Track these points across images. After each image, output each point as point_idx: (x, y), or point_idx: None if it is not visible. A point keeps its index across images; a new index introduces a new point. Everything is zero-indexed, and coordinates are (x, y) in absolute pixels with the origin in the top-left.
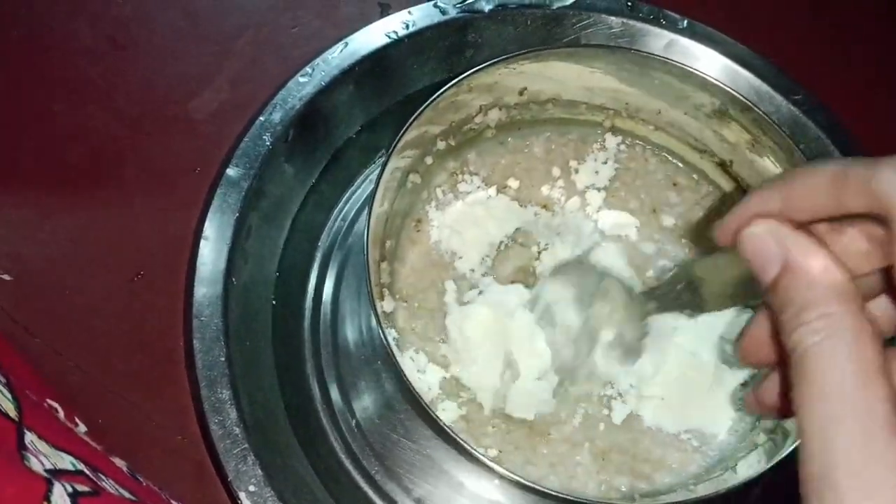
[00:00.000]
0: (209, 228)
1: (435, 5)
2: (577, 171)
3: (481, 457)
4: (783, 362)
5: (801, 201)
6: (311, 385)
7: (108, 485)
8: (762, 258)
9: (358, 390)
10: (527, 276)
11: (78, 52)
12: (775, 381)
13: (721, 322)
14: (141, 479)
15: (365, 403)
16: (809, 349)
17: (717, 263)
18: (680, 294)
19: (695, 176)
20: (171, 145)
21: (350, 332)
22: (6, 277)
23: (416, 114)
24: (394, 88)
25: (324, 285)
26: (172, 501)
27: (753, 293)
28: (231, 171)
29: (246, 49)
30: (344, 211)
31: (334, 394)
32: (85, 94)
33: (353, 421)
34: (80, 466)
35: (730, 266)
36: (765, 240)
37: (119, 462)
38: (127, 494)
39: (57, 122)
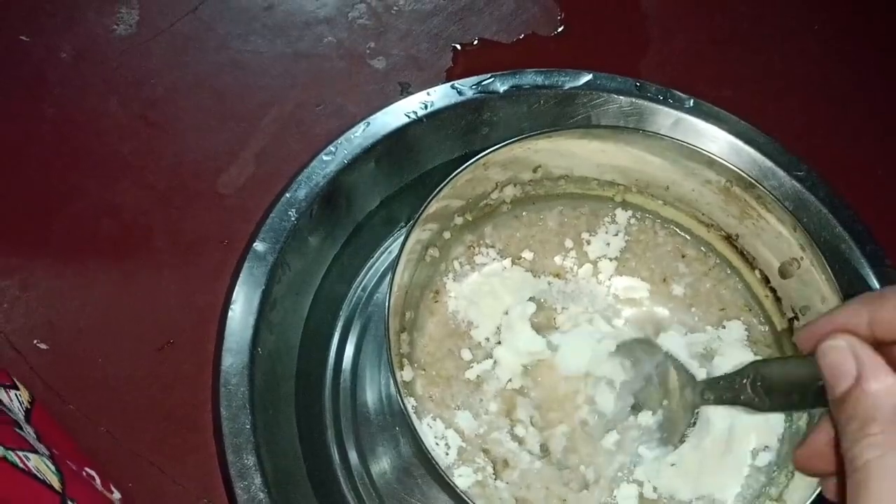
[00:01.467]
0: (237, 300)
1: (452, 86)
2: (588, 242)
3: None
4: (842, 471)
5: (887, 324)
6: (331, 450)
7: None
8: (837, 371)
9: (376, 455)
10: (549, 329)
11: (110, 129)
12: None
13: None
14: None
15: (383, 468)
16: (870, 462)
17: (787, 366)
18: (741, 390)
19: (702, 248)
20: (199, 218)
21: (370, 399)
22: (42, 346)
23: (437, 190)
24: (412, 165)
25: (344, 353)
26: None
27: (817, 402)
28: (258, 246)
29: (271, 126)
30: (364, 282)
31: (353, 458)
32: (116, 170)
33: (371, 485)
34: None
35: (802, 371)
36: (844, 354)
37: None
38: None
39: (89, 197)
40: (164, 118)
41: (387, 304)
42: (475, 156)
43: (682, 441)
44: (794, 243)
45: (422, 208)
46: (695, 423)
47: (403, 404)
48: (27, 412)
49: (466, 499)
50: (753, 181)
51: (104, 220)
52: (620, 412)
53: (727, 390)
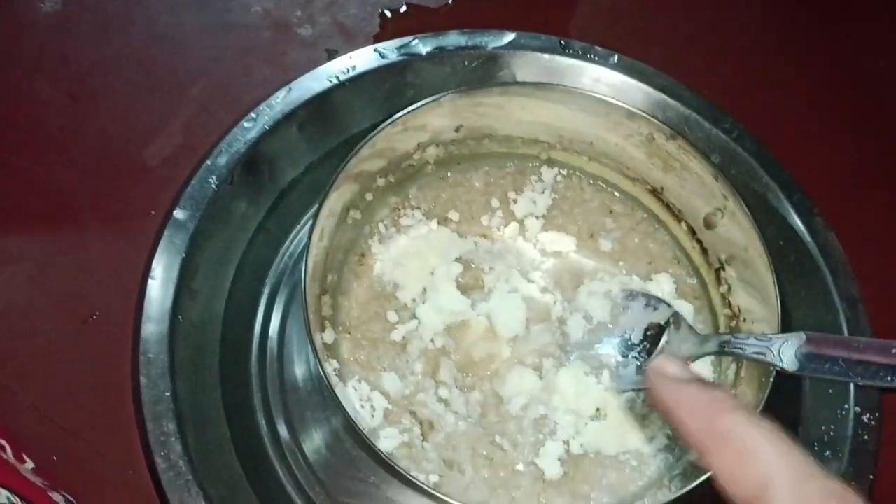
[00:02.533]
0: (156, 268)
1: (375, 50)
2: (515, 201)
3: (421, 484)
4: None
5: None
6: (258, 418)
7: None
8: None
9: (304, 422)
10: (476, 289)
11: (36, 106)
12: None
13: None
14: None
15: (311, 435)
16: None
17: None
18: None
19: (630, 203)
20: (126, 191)
21: (297, 367)
22: None
23: (351, 153)
24: (337, 130)
25: (270, 321)
26: None
27: None
28: (178, 214)
29: (198, 98)
30: (290, 249)
31: (281, 426)
32: (42, 146)
33: (300, 452)
34: (15, 500)
35: None
36: None
37: (57, 497)
38: None
39: (15, 174)
40: (91, 93)
41: (304, 265)
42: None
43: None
44: (717, 193)
45: (338, 169)
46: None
47: (322, 366)
48: None
49: (389, 461)
50: (674, 131)
51: (30, 196)
52: (585, 343)
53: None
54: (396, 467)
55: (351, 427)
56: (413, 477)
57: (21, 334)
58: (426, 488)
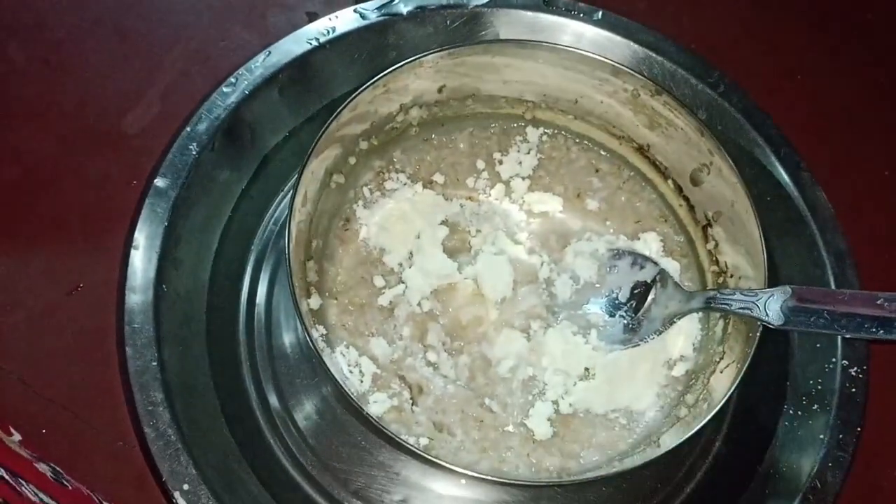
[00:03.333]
0: (139, 238)
1: (355, 10)
2: (501, 162)
3: (411, 447)
4: None
5: None
6: (246, 386)
7: (28, 490)
8: None
9: (294, 389)
10: (462, 252)
11: (11, 74)
12: None
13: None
14: (68, 483)
15: (301, 402)
16: None
17: None
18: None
19: (616, 162)
20: (106, 160)
21: (285, 334)
22: None
23: (332, 116)
24: (319, 94)
25: (257, 289)
26: (104, 503)
27: None
28: (159, 182)
29: (176, 64)
30: (275, 215)
31: (270, 394)
32: (19, 116)
33: (290, 419)
34: (1, 472)
35: None
36: None
37: (43, 468)
38: (45, 498)
39: None
40: (67, 61)
41: (287, 231)
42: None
43: (640, 342)
44: (703, 149)
45: (320, 133)
46: (660, 333)
47: (308, 332)
48: None
49: (378, 425)
50: (659, 87)
51: (7, 167)
52: (573, 303)
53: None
54: (386, 431)
55: (340, 393)
56: (403, 440)
57: (3, 309)
58: (416, 451)
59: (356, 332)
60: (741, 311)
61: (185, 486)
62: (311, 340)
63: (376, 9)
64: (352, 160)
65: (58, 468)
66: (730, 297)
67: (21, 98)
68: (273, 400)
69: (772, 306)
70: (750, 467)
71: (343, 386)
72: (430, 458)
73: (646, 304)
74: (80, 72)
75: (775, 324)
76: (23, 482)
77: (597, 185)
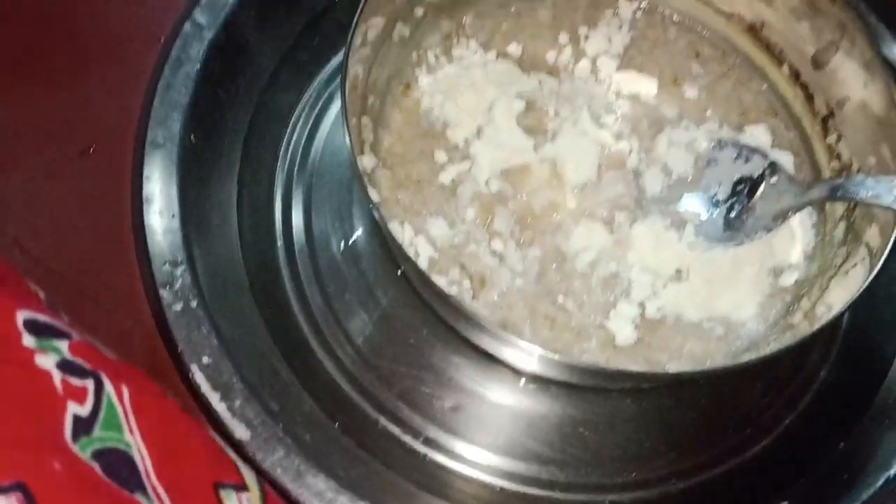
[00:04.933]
0: (167, 74)
1: None
2: (587, 38)
3: (479, 319)
4: None
5: None
6: (278, 263)
7: None
8: None
9: (333, 271)
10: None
11: None
12: None
13: None
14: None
15: (340, 285)
16: None
17: None
18: None
19: (721, 45)
20: (130, 14)
21: (326, 204)
22: None
23: None
24: None
25: (304, 132)
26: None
27: None
28: (193, 20)
29: None
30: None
31: (305, 273)
32: None
33: (326, 304)
34: None
35: None
36: None
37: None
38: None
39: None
40: None
41: (343, 65)
42: None
43: (746, 239)
44: (831, 20)
45: None
46: (769, 231)
47: (364, 189)
48: None
49: (439, 290)
50: None
51: (15, 13)
52: (664, 199)
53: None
54: (451, 298)
55: (392, 267)
56: (470, 312)
57: (13, 166)
58: (484, 324)
59: (412, 209)
60: (871, 199)
61: (206, 360)
62: (369, 199)
63: None
64: (419, 11)
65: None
66: (859, 184)
67: None
68: (314, 295)
69: None
70: (861, 400)
71: (404, 250)
72: (497, 331)
73: (753, 200)
74: None
75: None
76: None
77: (697, 70)
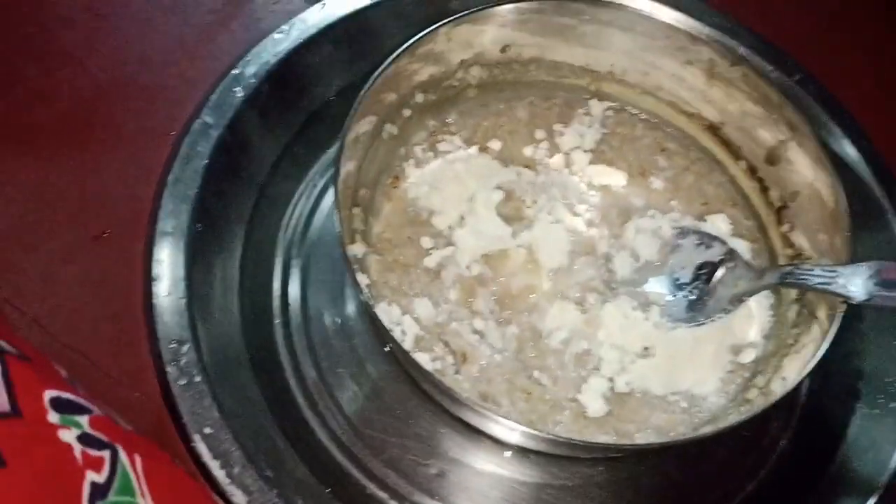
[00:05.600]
0: (175, 170)
1: None
2: (561, 133)
3: (461, 398)
4: None
5: None
6: (278, 346)
7: None
8: None
9: (327, 347)
10: (517, 220)
11: (54, 19)
12: None
13: None
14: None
15: (333, 360)
16: None
17: None
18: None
19: (684, 141)
20: (144, 110)
21: (321, 284)
22: None
23: (392, 56)
24: (373, 52)
25: (301, 218)
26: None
27: None
28: (203, 119)
29: (222, 19)
30: (315, 180)
31: (304, 359)
32: (58, 60)
33: (320, 377)
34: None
35: None
36: None
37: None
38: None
39: (27, 85)
40: (112, 8)
41: (336, 163)
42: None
43: (706, 320)
44: (783, 123)
45: (378, 71)
46: (728, 312)
47: (352, 274)
48: None
49: (424, 369)
50: (737, 57)
51: (41, 109)
52: (632, 281)
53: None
54: (434, 378)
55: (381, 344)
56: (451, 389)
57: (25, 248)
58: (466, 402)
59: (399, 290)
60: (820, 286)
61: (206, 430)
62: (357, 285)
63: None
64: (406, 112)
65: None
66: (808, 272)
67: (62, 43)
68: (308, 369)
69: (855, 281)
70: (819, 466)
71: (389, 331)
72: (478, 407)
73: (712, 283)
74: (124, 21)
75: (859, 298)
76: None
77: (662, 164)
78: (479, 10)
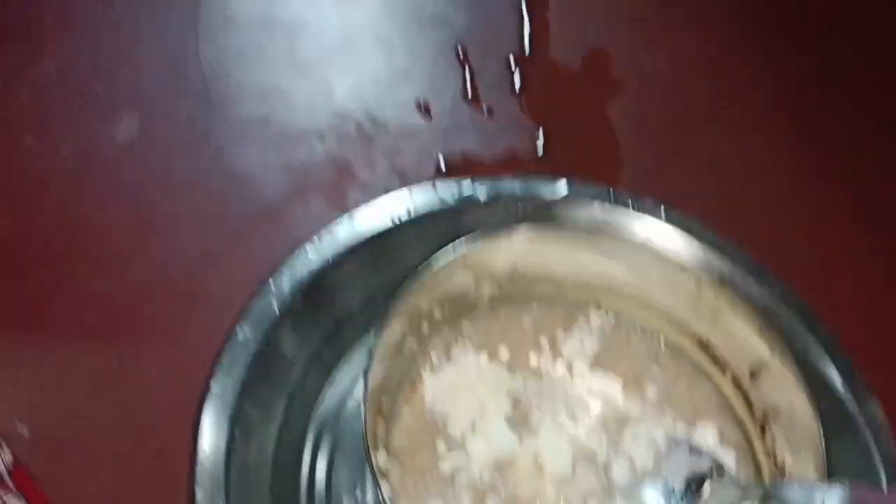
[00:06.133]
0: (214, 388)
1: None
2: (563, 342)
3: None
4: None
5: None
6: None
7: None
8: None
9: None
10: (523, 426)
11: (103, 227)
12: None
13: None
14: None
15: None
16: None
17: None
18: None
19: (676, 352)
20: (187, 314)
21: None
22: (23, 428)
23: (413, 281)
24: (394, 265)
25: (317, 461)
26: None
27: None
28: (240, 333)
29: (259, 230)
30: (339, 384)
31: None
32: (106, 263)
33: None
34: None
35: None
36: None
37: None
38: None
39: (73, 287)
40: (158, 218)
41: (365, 380)
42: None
43: None
44: (761, 348)
45: (399, 292)
46: None
47: (379, 485)
48: (9, 472)
49: None
50: (721, 285)
51: (90, 310)
52: (630, 487)
53: None
54: None
55: None
56: None
57: (74, 443)
58: None
59: (417, 497)
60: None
61: None
62: (382, 495)
63: (453, 193)
64: (425, 326)
65: None
66: (789, 489)
67: (110, 247)
68: None
69: (830, 501)
70: None
71: None
72: None
73: (702, 497)
74: (168, 229)
75: None
76: None
77: (656, 372)
78: (496, 234)
